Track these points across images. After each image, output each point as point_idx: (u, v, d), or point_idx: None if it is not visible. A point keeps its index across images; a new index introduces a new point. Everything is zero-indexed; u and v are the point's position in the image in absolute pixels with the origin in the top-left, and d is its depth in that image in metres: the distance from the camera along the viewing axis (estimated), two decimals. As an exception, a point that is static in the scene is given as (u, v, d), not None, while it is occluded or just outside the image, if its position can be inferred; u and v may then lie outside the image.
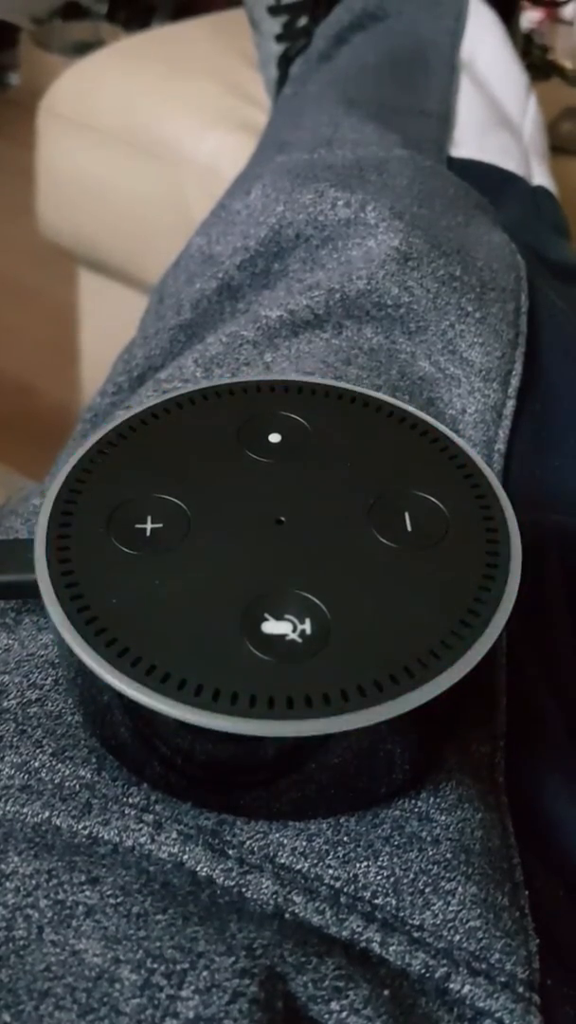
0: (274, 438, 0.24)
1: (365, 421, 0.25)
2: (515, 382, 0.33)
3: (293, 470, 0.24)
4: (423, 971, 0.19)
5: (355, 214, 0.36)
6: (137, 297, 0.73)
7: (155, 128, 0.77)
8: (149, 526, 0.22)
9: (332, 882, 0.20)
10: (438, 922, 0.19)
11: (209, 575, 0.21)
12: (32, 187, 0.86)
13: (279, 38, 0.68)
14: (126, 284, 0.85)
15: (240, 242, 0.38)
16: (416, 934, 0.19)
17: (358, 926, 0.19)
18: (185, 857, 0.20)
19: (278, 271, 0.37)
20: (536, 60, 0.93)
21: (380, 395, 0.26)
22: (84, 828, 0.20)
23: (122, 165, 0.79)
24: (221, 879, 0.19)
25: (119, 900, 0.18)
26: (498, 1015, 0.19)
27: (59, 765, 0.21)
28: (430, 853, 0.20)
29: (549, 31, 0.98)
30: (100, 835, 0.20)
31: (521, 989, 0.19)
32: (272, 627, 0.20)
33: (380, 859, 0.20)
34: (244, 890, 0.19)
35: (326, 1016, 0.18)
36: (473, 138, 0.51)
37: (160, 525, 0.22)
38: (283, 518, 0.22)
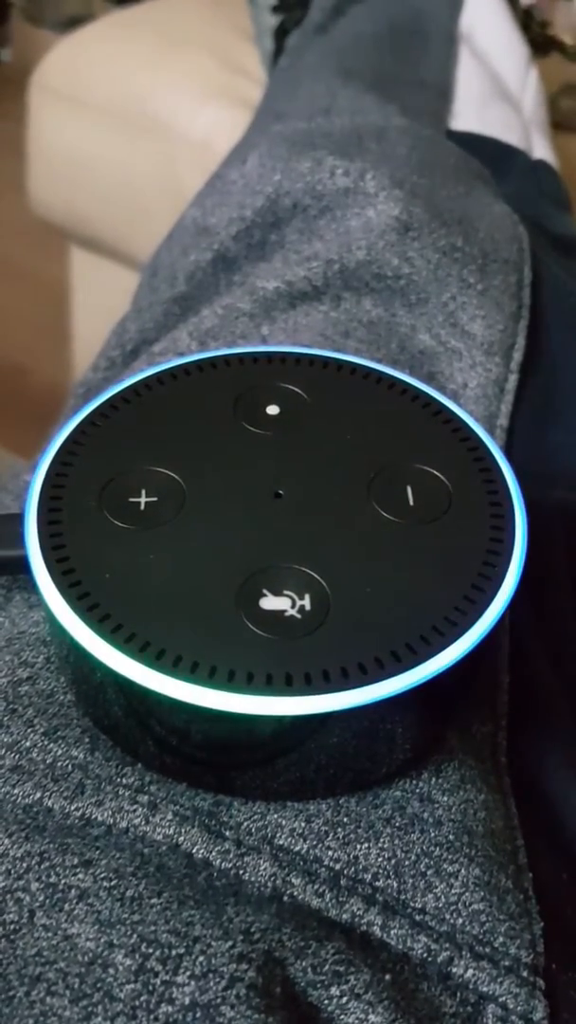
0: (272, 410, 0.24)
1: (365, 393, 0.25)
2: (518, 356, 0.32)
3: (291, 443, 0.23)
4: (425, 955, 0.18)
5: (354, 183, 0.35)
6: (130, 275, 0.72)
7: (148, 102, 0.76)
8: (143, 500, 0.21)
9: (332, 864, 0.19)
10: (440, 905, 0.19)
11: (205, 550, 0.20)
12: (23, 165, 0.84)
13: (275, 9, 0.67)
14: (118, 262, 0.84)
15: (236, 212, 0.37)
16: (418, 917, 0.19)
17: (358, 909, 0.19)
18: (181, 839, 0.19)
19: (275, 242, 0.36)
20: (536, 36, 0.92)
21: (381, 366, 0.25)
22: (77, 809, 0.19)
23: (114, 140, 0.78)
24: (218, 861, 0.19)
25: (113, 883, 0.18)
26: (502, 1000, 0.18)
27: (51, 745, 0.20)
28: (432, 835, 0.20)
29: (549, 6, 0.96)
30: (93, 816, 0.19)
31: (525, 973, 0.19)
32: (270, 603, 0.19)
33: (381, 840, 0.20)
34: (241, 872, 0.19)
35: (326, 1001, 0.17)
36: (473, 110, 0.50)
37: (154, 499, 0.21)
38: (281, 491, 0.22)
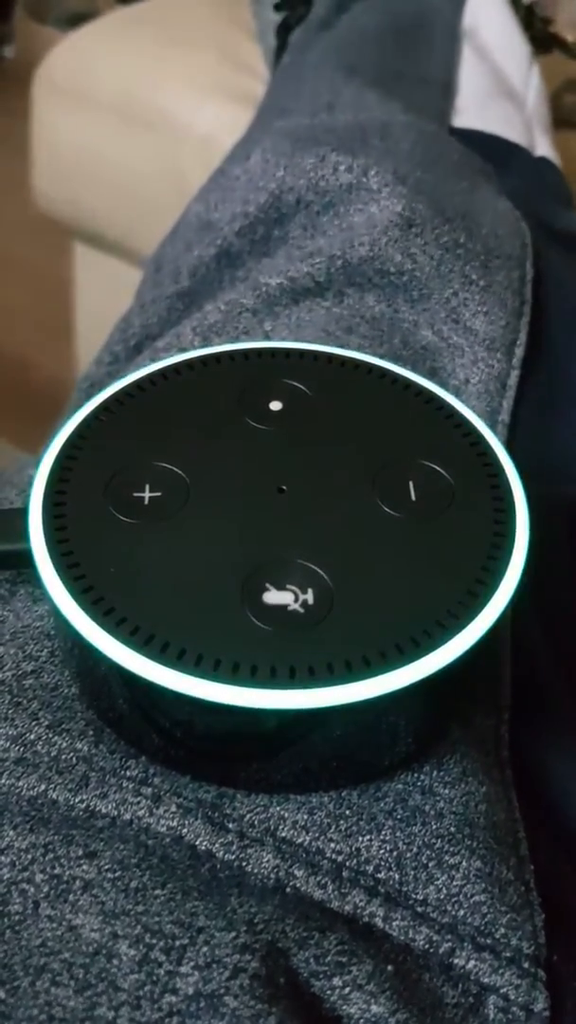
0: (275, 405, 0.24)
1: (368, 388, 0.25)
2: (519, 352, 0.32)
3: (295, 438, 0.23)
4: (427, 946, 0.19)
5: (357, 179, 0.35)
6: (134, 272, 0.72)
7: (152, 99, 0.76)
8: (147, 494, 0.21)
9: (334, 856, 0.19)
10: (442, 896, 0.19)
11: (209, 544, 0.20)
12: (27, 161, 0.85)
13: (278, 6, 0.67)
14: (122, 258, 0.84)
15: (239, 208, 0.37)
16: (420, 909, 0.19)
17: (360, 900, 0.19)
18: (184, 831, 0.19)
19: (278, 238, 0.36)
20: (538, 33, 0.91)
21: (383, 362, 0.25)
22: (81, 801, 0.19)
23: (118, 137, 0.78)
24: (221, 853, 0.19)
25: (117, 874, 0.18)
26: (503, 991, 0.18)
27: (55, 738, 0.20)
28: (434, 827, 0.20)
29: (551, 4, 0.96)
30: (97, 808, 0.19)
31: (527, 964, 0.19)
32: (273, 597, 0.19)
33: (383, 833, 0.20)
34: (245, 864, 0.19)
35: (328, 992, 0.17)
36: (475, 107, 0.50)
37: (159, 493, 0.21)
38: (284, 486, 0.22)
